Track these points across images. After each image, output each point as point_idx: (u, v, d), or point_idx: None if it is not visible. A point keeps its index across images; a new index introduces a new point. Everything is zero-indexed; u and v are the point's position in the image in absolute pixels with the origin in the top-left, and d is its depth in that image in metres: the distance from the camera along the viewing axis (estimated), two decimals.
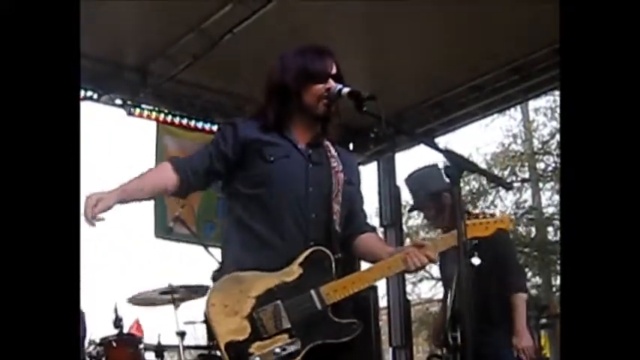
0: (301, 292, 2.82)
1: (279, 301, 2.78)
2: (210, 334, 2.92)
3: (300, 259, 2.86)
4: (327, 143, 3.10)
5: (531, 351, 4.48)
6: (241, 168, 3.00)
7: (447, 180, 4.23)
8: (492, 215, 3.11)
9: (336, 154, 3.08)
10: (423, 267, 2.92)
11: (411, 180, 4.65)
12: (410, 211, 5.16)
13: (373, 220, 7.06)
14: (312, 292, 2.82)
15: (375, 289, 6.41)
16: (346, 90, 2.89)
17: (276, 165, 2.94)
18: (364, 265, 3.18)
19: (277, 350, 2.73)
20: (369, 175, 8.05)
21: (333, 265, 2.88)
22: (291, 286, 2.83)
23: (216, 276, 3.15)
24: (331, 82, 2.98)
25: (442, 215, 4.46)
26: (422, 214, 5.68)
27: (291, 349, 2.75)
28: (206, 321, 2.87)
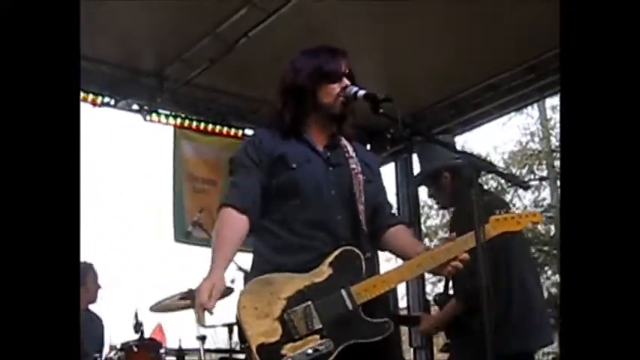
0: (332, 292, 2.82)
1: (309, 302, 2.79)
2: (242, 337, 2.92)
3: (330, 258, 2.87)
4: (345, 143, 3.11)
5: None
6: (271, 175, 3.01)
7: (452, 160, 4.28)
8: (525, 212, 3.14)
9: (354, 154, 3.09)
10: (456, 269, 2.89)
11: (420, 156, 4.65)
12: (419, 183, 5.19)
13: None
14: (343, 291, 2.82)
15: (394, 289, 6.41)
16: (362, 92, 2.92)
17: (299, 171, 2.97)
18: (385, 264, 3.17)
19: (309, 351, 2.73)
20: (386, 176, 8.00)
21: (363, 265, 2.87)
22: (322, 287, 2.84)
23: (247, 280, 3.16)
24: (345, 81, 3.00)
25: (441, 194, 4.46)
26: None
27: (324, 349, 2.75)
28: (238, 324, 2.87)
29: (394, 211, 3.40)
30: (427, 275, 7.02)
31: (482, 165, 3.61)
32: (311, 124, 3.07)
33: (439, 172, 4.32)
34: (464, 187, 4.27)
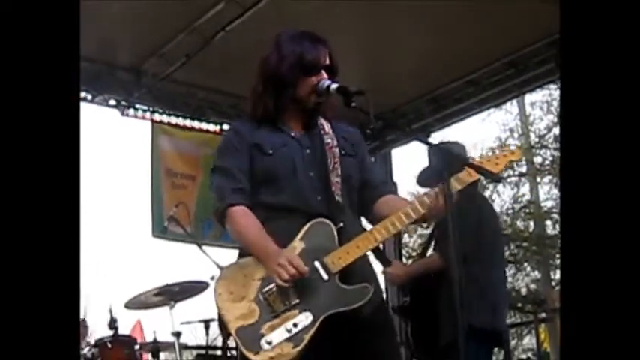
0: (305, 264, 2.79)
1: None
2: (221, 324, 2.91)
3: (300, 234, 2.87)
4: (322, 122, 3.12)
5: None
6: (249, 164, 3.02)
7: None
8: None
9: (331, 131, 3.10)
10: (437, 212, 2.89)
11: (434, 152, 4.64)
12: (418, 184, 5.28)
13: None
14: (317, 262, 2.81)
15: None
16: (335, 85, 2.91)
17: (276, 156, 2.98)
18: None
19: (289, 327, 2.70)
20: None
21: (336, 234, 2.86)
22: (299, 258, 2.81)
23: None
24: (323, 74, 2.99)
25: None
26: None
27: (303, 323, 2.72)
28: (217, 306, 2.87)
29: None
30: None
31: (460, 159, 3.68)
32: (289, 113, 3.06)
33: (443, 172, 4.36)
34: (469, 190, 4.35)
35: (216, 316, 2.97)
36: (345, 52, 6.07)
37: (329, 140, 3.06)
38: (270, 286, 2.75)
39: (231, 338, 2.83)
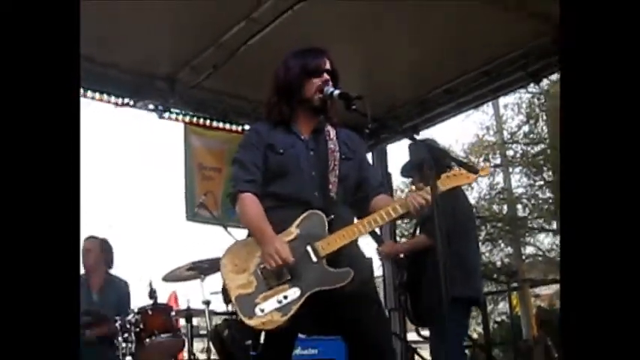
0: (300, 246, 2.86)
1: None
2: (225, 294, 2.93)
3: (297, 221, 2.92)
4: (329, 128, 3.15)
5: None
6: (264, 160, 3.06)
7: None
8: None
9: (334, 137, 3.14)
10: (423, 207, 2.93)
11: (415, 147, 4.66)
12: (403, 172, 5.33)
13: None
14: (308, 247, 2.87)
15: (370, 260, 6.45)
16: (337, 92, 2.99)
17: (286, 156, 3.02)
18: None
19: (280, 299, 2.78)
20: None
21: (326, 224, 2.91)
22: (290, 245, 2.86)
23: None
24: (326, 76, 3.05)
25: (424, 183, 4.50)
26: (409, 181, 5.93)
27: (292, 297, 2.79)
28: (222, 277, 2.94)
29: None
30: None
31: (442, 154, 3.75)
32: (299, 115, 3.11)
33: (421, 165, 4.36)
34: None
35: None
36: (347, 64, 6.06)
37: (332, 145, 3.09)
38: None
39: (231, 304, 2.89)
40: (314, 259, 2.85)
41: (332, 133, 3.14)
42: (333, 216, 2.94)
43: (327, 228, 2.90)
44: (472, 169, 3.06)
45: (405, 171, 4.90)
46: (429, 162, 4.03)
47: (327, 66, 3.09)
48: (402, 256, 4.88)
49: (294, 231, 2.90)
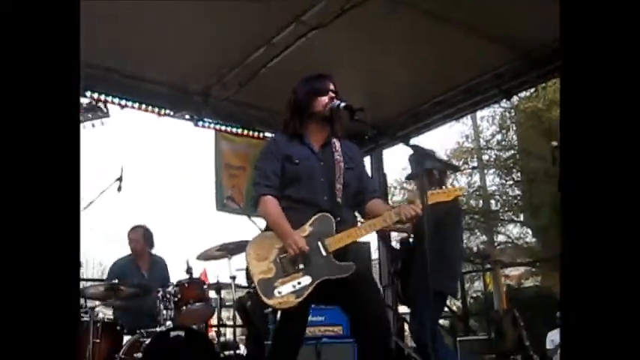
0: (312, 242, 2.90)
1: None
2: (247, 273, 2.97)
3: (311, 221, 2.96)
4: (334, 141, 3.17)
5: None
6: (281, 169, 3.09)
7: (431, 164, 4.38)
8: (453, 187, 3.23)
9: (340, 149, 3.15)
10: (413, 217, 2.96)
11: (413, 157, 4.67)
12: (407, 178, 5.38)
13: None
14: (319, 242, 2.92)
15: (368, 245, 6.48)
16: (343, 104, 3.04)
17: (301, 166, 3.05)
18: None
19: (295, 284, 2.84)
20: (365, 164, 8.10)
21: (334, 225, 2.96)
22: (305, 240, 2.91)
23: None
24: (331, 94, 3.08)
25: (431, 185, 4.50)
26: (413, 183, 5.93)
27: (304, 283, 2.85)
28: (246, 264, 2.97)
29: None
30: (393, 234, 7.02)
31: (428, 157, 3.79)
32: (310, 128, 3.14)
33: (430, 170, 4.39)
34: (442, 184, 4.42)
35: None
36: (351, 81, 6.09)
37: (337, 157, 3.11)
38: (285, 254, 2.88)
39: (253, 285, 2.92)
40: (324, 253, 2.90)
41: (337, 145, 3.17)
42: (339, 218, 2.99)
43: (334, 228, 2.95)
44: (456, 169, 3.11)
45: (411, 177, 4.95)
46: (421, 173, 4.12)
47: (332, 87, 3.12)
48: (398, 247, 4.84)
49: (307, 229, 2.94)
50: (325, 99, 3.08)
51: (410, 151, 4.22)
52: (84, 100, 2.64)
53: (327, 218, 2.97)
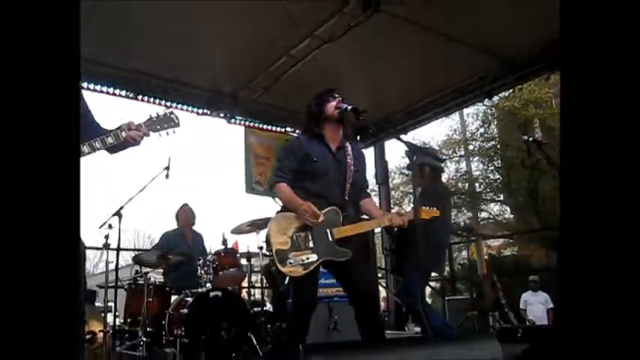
0: (322, 229, 2.96)
1: (309, 231, 2.97)
2: (268, 242, 3.01)
3: (324, 211, 2.98)
4: (347, 145, 3.18)
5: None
6: (301, 164, 3.10)
7: (424, 158, 4.36)
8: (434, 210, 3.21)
9: (351, 152, 3.17)
10: (399, 226, 3.09)
11: (410, 152, 4.65)
12: (406, 169, 5.46)
13: (371, 180, 7.16)
14: (328, 230, 2.97)
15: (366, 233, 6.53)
16: (350, 107, 3.08)
17: (318, 163, 3.06)
18: None
19: (304, 258, 2.91)
20: (369, 154, 8.06)
21: (341, 218, 3.02)
22: (317, 225, 2.96)
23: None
24: (338, 99, 3.14)
25: (420, 178, 4.46)
26: (410, 173, 5.96)
27: (311, 259, 2.92)
28: (267, 235, 3.03)
29: (371, 185, 3.56)
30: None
31: (418, 149, 3.82)
32: (326, 130, 3.16)
33: (422, 164, 4.36)
34: (434, 177, 4.41)
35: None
36: (356, 85, 6.08)
37: (349, 160, 3.13)
38: (300, 233, 2.94)
39: (271, 252, 2.96)
40: (330, 239, 2.96)
41: (349, 149, 3.18)
42: (345, 213, 3.04)
43: (341, 220, 3.01)
44: (442, 161, 3.14)
45: (409, 168, 4.95)
46: (429, 166, 4.07)
47: (337, 96, 3.18)
48: (395, 230, 4.83)
49: (321, 217, 2.98)
50: (334, 103, 3.12)
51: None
52: (159, 111, 2.59)
53: (336, 211, 3.01)
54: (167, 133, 2.57)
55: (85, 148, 2.27)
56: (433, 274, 4.91)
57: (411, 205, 4.21)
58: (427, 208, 3.16)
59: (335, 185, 3.06)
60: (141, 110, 2.78)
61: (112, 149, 2.41)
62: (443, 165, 4.92)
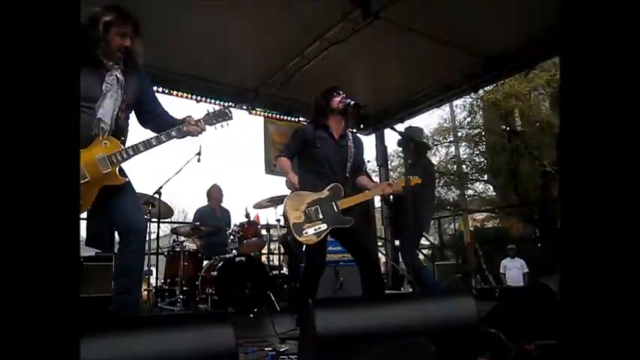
0: (328, 202, 3.03)
1: (318, 205, 3.05)
2: (285, 217, 3.06)
3: (328, 187, 3.06)
4: (348, 133, 3.26)
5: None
6: (306, 148, 3.16)
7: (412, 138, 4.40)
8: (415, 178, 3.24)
9: (351, 139, 3.26)
10: (391, 194, 3.22)
11: (401, 137, 4.70)
12: (397, 145, 5.48)
13: (373, 162, 7.16)
14: (333, 203, 3.04)
15: (371, 200, 6.55)
16: (353, 102, 3.20)
17: (322, 148, 3.14)
18: None
19: (316, 228, 2.98)
20: (371, 140, 8.05)
21: (342, 192, 3.08)
22: (324, 199, 3.03)
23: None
24: (342, 94, 3.20)
25: (408, 153, 4.55)
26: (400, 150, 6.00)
27: (322, 228, 2.99)
28: (284, 213, 3.08)
29: (368, 165, 3.63)
30: None
31: (408, 132, 3.91)
32: (330, 121, 3.19)
33: (411, 141, 4.41)
34: (419, 152, 4.46)
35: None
36: (359, 81, 6.07)
37: (350, 144, 3.21)
38: (311, 207, 3.00)
39: (288, 226, 3.01)
40: (336, 209, 3.02)
41: (349, 136, 3.25)
42: (346, 189, 3.11)
43: (343, 194, 3.07)
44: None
45: (399, 145, 4.98)
46: (405, 142, 4.13)
47: (341, 92, 3.23)
48: (392, 199, 4.88)
49: (325, 192, 3.05)
50: (338, 99, 3.18)
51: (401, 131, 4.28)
52: (216, 107, 2.63)
53: (339, 187, 3.09)
54: (222, 126, 2.61)
55: (153, 141, 2.36)
56: (425, 243, 5.00)
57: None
58: (413, 177, 3.22)
59: (337, 166, 3.14)
60: (178, 104, 2.80)
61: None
62: (426, 141, 4.98)
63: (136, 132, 2.58)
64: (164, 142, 2.39)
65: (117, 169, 2.30)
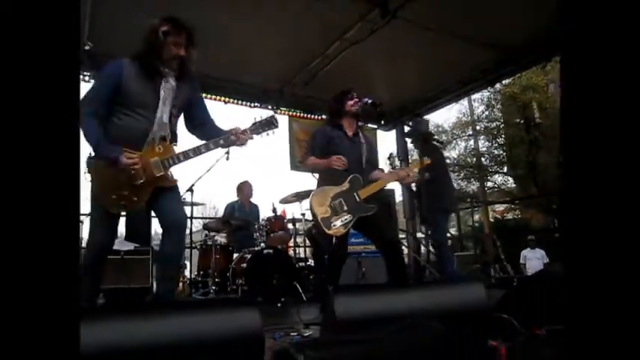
0: (350, 193, 3.06)
1: (341, 198, 3.08)
2: (313, 214, 3.09)
3: (348, 179, 3.09)
4: (360, 132, 3.33)
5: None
6: (325, 147, 3.21)
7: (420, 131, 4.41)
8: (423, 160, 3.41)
9: (363, 138, 3.33)
10: (403, 179, 3.26)
11: (413, 123, 4.74)
12: (406, 136, 5.53)
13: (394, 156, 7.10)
14: (354, 193, 3.07)
15: (393, 191, 6.50)
16: (370, 101, 3.23)
17: (338, 146, 3.19)
18: None
19: (342, 220, 3.02)
20: (392, 135, 8.00)
21: (362, 182, 3.11)
22: (345, 192, 3.07)
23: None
24: (356, 98, 3.26)
25: (418, 145, 4.57)
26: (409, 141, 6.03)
27: (348, 219, 3.02)
28: (311, 208, 3.10)
29: (395, 153, 3.65)
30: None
31: (415, 126, 3.97)
32: (345, 122, 3.27)
33: (419, 133, 4.40)
34: (428, 145, 4.39)
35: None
36: (377, 80, 6.02)
37: (363, 141, 3.28)
38: (335, 200, 3.03)
39: (317, 221, 3.04)
40: (358, 199, 3.05)
41: (361, 135, 3.32)
42: (363, 180, 3.14)
43: (362, 184, 3.10)
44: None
45: (407, 136, 5.01)
46: (415, 135, 4.13)
47: (355, 94, 3.26)
48: (414, 188, 4.88)
49: (346, 185, 3.08)
50: (352, 101, 3.22)
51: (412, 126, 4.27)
52: (264, 115, 2.61)
53: (358, 178, 3.12)
54: (267, 134, 2.61)
55: (202, 148, 2.42)
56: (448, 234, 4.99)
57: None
58: (425, 158, 3.40)
59: (353, 161, 3.17)
60: (209, 105, 2.83)
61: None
62: (429, 130, 5.01)
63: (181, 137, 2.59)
64: (212, 149, 2.45)
65: (168, 171, 2.41)
